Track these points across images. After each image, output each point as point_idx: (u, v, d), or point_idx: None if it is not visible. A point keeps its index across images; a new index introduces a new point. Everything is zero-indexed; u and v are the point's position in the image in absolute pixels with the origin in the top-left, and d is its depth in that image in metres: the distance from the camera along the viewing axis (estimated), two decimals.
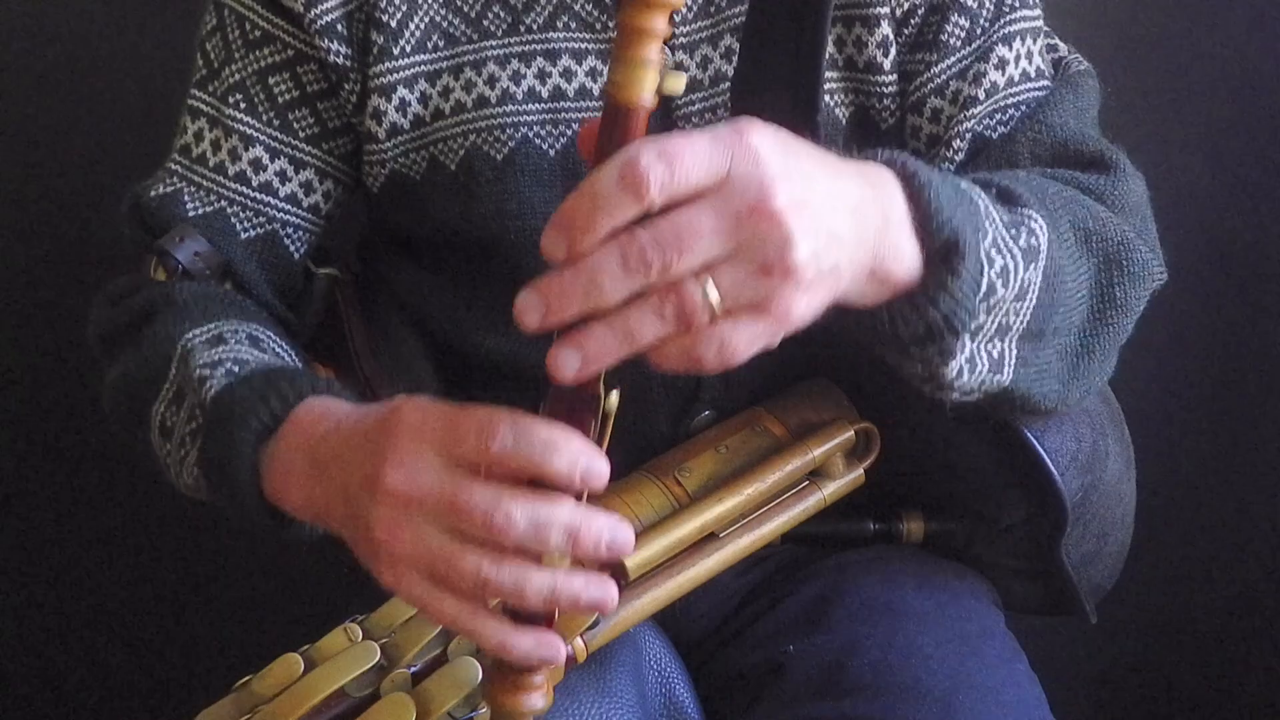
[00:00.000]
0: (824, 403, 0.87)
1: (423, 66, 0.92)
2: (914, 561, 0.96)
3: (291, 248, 0.97)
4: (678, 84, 0.63)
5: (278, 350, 0.90)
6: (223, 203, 0.95)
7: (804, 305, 0.63)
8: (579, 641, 0.79)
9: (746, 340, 0.62)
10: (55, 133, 1.40)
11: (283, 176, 0.95)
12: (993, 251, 0.71)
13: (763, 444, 0.85)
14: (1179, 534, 1.43)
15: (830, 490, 0.87)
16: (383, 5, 0.91)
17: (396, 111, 0.92)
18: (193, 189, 0.96)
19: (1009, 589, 0.98)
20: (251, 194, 0.95)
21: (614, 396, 0.66)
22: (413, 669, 0.77)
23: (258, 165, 0.95)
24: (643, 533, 0.81)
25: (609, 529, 0.66)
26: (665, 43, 0.63)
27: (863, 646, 0.88)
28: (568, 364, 0.62)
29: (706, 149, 0.60)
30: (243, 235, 0.96)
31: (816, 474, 0.86)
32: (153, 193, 0.96)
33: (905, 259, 0.68)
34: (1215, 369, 1.42)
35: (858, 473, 0.88)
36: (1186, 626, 1.50)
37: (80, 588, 1.52)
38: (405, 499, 0.67)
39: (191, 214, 0.95)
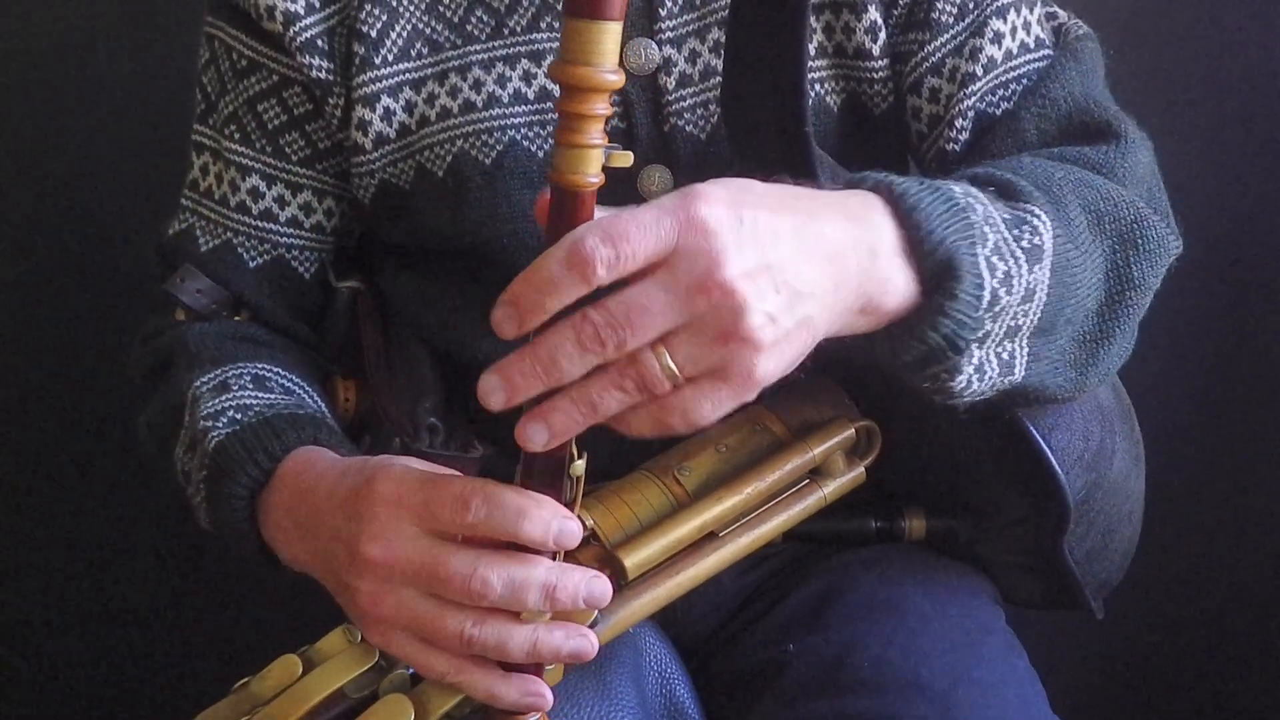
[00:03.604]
0: (824, 401, 0.86)
1: (407, 74, 0.92)
2: (914, 560, 0.95)
3: (300, 269, 0.99)
4: (624, 160, 0.64)
5: (286, 385, 0.92)
6: (229, 234, 0.97)
7: (769, 366, 0.63)
8: None
9: (711, 405, 0.64)
10: (58, 139, 1.40)
11: (281, 202, 0.97)
12: (994, 258, 0.70)
13: (763, 442, 0.85)
14: (1181, 530, 1.43)
15: (831, 489, 0.86)
16: (362, 16, 0.91)
17: (382, 121, 0.92)
18: (203, 223, 0.98)
19: (1012, 584, 0.98)
20: (254, 223, 0.97)
21: (581, 462, 0.69)
22: (411, 670, 0.76)
23: (256, 194, 0.96)
24: (642, 532, 0.80)
25: (584, 584, 0.69)
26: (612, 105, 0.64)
27: (863, 644, 0.88)
28: (535, 436, 0.65)
29: (652, 226, 0.61)
30: (251, 264, 0.97)
31: (817, 472, 0.86)
32: (170, 231, 1.00)
33: (897, 289, 0.68)
34: (1219, 366, 1.41)
35: (859, 471, 0.87)
36: (1188, 623, 1.50)
37: (80, 588, 1.52)
38: (386, 569, 0.70)
39: (203, 249, 0.97)
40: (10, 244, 1.43)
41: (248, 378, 0.91)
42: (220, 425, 0.86)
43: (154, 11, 1.36)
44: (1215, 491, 1.45)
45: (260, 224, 0.97)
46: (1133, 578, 1.02)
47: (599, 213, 0.64)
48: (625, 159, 0.64)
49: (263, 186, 0.96)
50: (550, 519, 0.67)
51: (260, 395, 0.89)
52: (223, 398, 0.88)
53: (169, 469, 0.93)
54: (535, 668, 0.73)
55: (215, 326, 0.97)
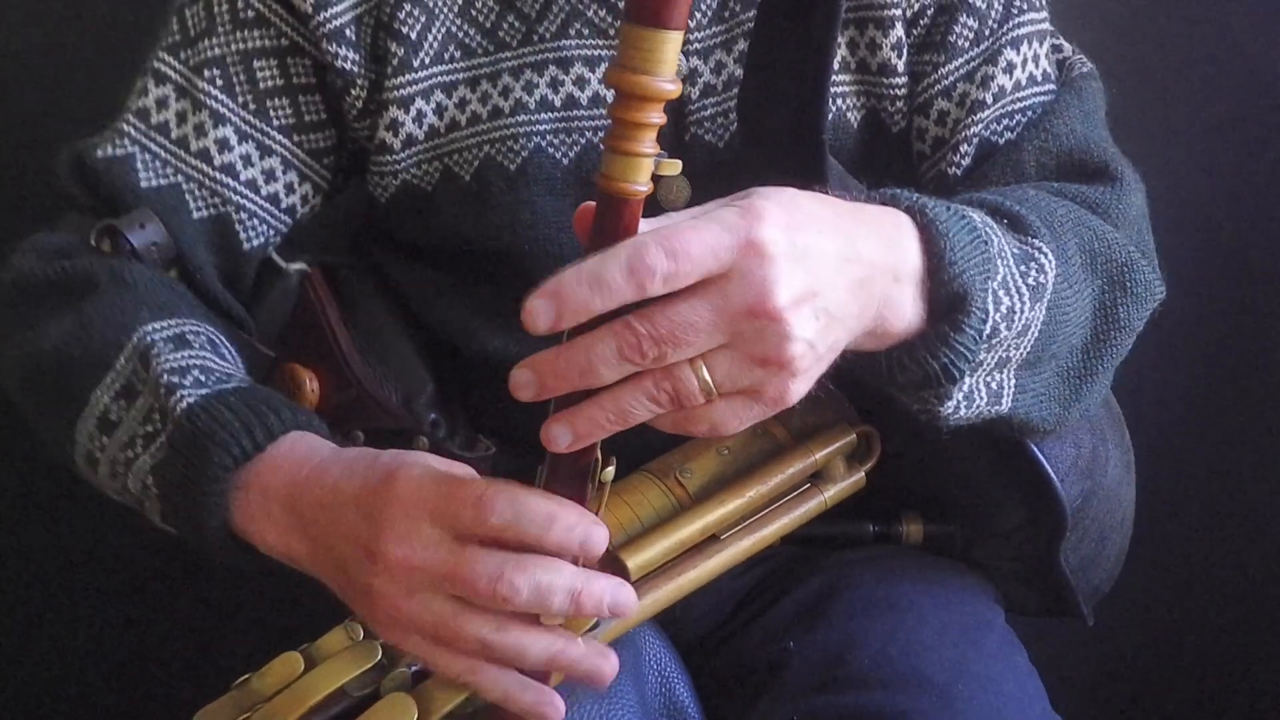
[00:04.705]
0: (826, 406, 0.87)
1: (440, 78, 0.91)
2: (913, 559, 0.96)
3: (242, 235, 0.94)
4: (672, 169, 0.63)
5: (233, 359, 0.87)
6: (179, 178, 0.92)
7: (800, 388, 0.64)
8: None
9: (738, 421, 0.64)
10: (55, 132, 1.39)
11: (246, 160, 0.93)
12: (1000, 292, 0.71)
13: (764, 446, 0.85)
14: (1177, 535, 1.43)
15: (831, 493, 0.87)
16: (401, 16, 0.90)
17: (413, 123, 0.91)
18: (148, 157, 0.92)
19: (1007, 591, 0.98)
20: (210, 173, 0.92)
21: (610, 469, 0.68)
22: (413, 668, 0.76)
23: (224, 145, 0.92)
24: (644, 533, 0.81)
25: (610, 591, 0.68)
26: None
27: (862, 640, 0.88)
28: (560, 438, 0.64)
29: (713, 244, 0.60)
30: (195, 215, 0.93)
31: (818, 476, 0.86)
32: (100, 153, 0.93)
33: (907, 315, 0.69)
34: (1214, 370, 1.42)
35: (859, 476, 0.88)
36: (1185, 626, 1.50)
37: (79, 586, 1.51)
38: (407, 570, 0.68)
39: (144, 184, 0.92)
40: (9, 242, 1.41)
41: (204, 339, 0.85)
42: (187, 384, 0.80)
43: (151, 9, 1.35)
44: (1210, 494, 1.45)
45: (218, 176, 0.92)
46: (1130, 581, 1.03)
47: (646, 223, 0.64)
48: (674, 167, 0.63)
49: (233, 140, 0.92)
50: (577, 525, 0.67)
51: (219, 362, 0.84)
52: (185, 353, 0.82)
53: (55, 403, 0.85)
54: (547, 678, 0.73)
55: (153, 272, 0.90)
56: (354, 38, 0.90)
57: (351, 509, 0.71)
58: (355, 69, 0.91)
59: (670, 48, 0.60)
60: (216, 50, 0.92)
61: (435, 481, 0.69)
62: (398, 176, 0.93)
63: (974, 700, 0.84)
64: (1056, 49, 0.94)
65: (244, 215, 0.94)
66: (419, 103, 0.91)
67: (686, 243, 0.60)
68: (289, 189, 0.95)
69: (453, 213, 0.92)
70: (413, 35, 0.90)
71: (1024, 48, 0.90)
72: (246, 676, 0.78)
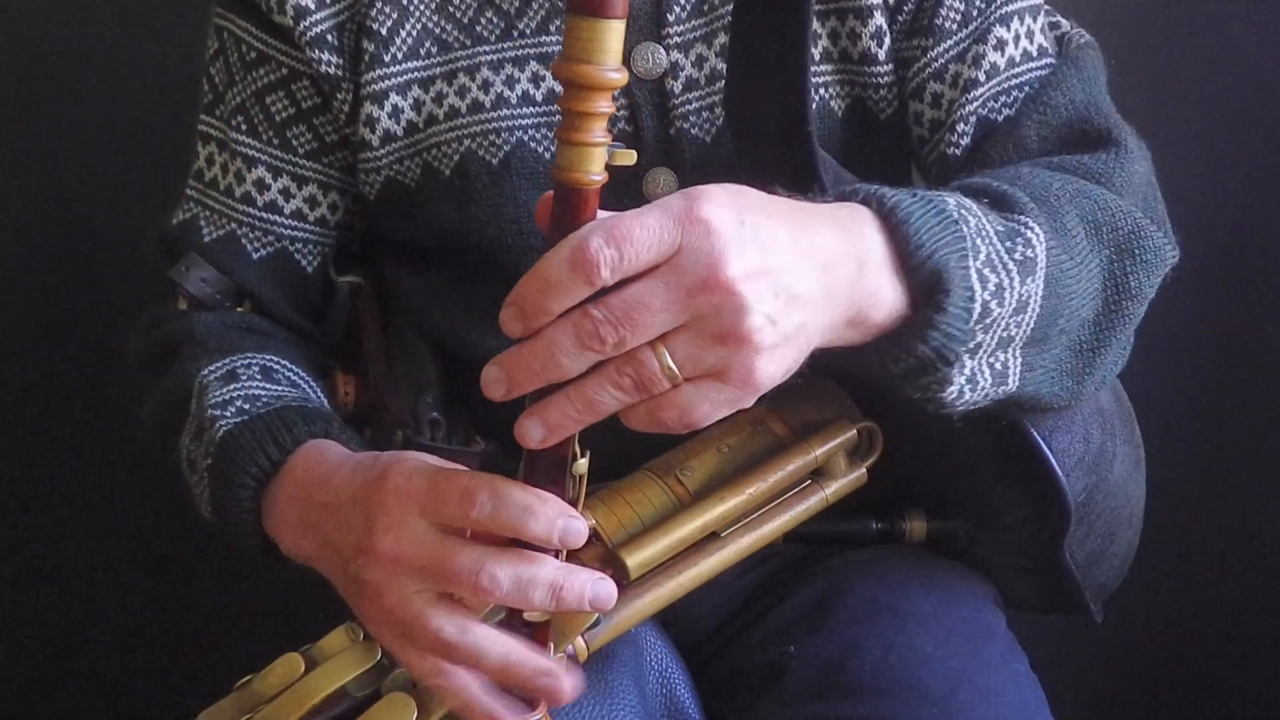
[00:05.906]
0: (826, 402, 0.87)
1: (415, 73, 0.92)
2: (915, 562, 0.95)
3: (303, 262, 0.99)
4: (627, 159, 0.64)
5: (292, 378, 0.93)
6: (233, 225, 0.98)
7: (768, 369, 0.64)
8: (580, 641, 0.78)
9: (709, 405, 0.64)
10: (61, 135, 1.40)
11: (286, 194, 0.97)
12: (985, 271, 0.71)
13: (765, 443, 0.85)
14: (1181, 533, 1.42)
15: (832, 490, 0.86)
16: (373, 14, 0.92)
17: (389, 118, 0.93)
18: (207, 213, 0.98)
19: (1012, 587, 0.98)
20: (258, 214, 0.97)
21: (584, 461, 0.69)
22: None
23: (261, 185, 0.97)
24: (644, 532, 0.81)
25: (590, 585, 0.69)
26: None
27: (863, 647, 0.88)
28: (532, 433, 0.66)
29: (656, 227, 0.61)
30: (254, 255, 0.98)
31: (819, 473, 0.86)
32: (173, 220, 1.00)
33: (885, 303, 0.68)
34: (1218, 368, 1.42)
35: (860, 472, 0.87)
36: (1189, 627, 1.50)
37: (80, 586, 1.52)
38: (394, 562, 0.70)
39: (207, 239, 0.98)
40: (10, 242, 1.42)
41: (255, 368, 0.91)
42: (228, 415, 0.86)
43: (152, 11, 1.36)
44: (1215, 493, 1.45)
45: (265, 215, 0.97)
46: (1133, 580, 1.03)
47: (602, 215, 0.64)
48: (628, 157, 0.64)
49: (269, 178, 0.97)
50: (556, 517, 0.67)
51: (268, 386, 0.90)
52: (231, 387, 0.89)
53: (172, 458, 0.93)
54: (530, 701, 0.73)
55: (220, 316, 0.97)
56: (335, 42, 0.93)
57: (350, 506, 0.73)
58: (339, 73, 0.93)
59: (612, 37, 0.61)
60: (238, 99, 0.97)
61: (425, 476, 0.70)
62: (380, 173, 0.94)
63: (974, 711, 0.84)
64: (1054, 25, 0.93)
65: (298, 245, 0.99)
66: (394, 98, 0.92)
67: (628, 229, 0.61)
68: (333, 208, 0.99)
69: (437, 208, 0.93)
70: (383, 31, 0.92)
71: (1015, 24, 0.90)
72: (248, 678, 0.78)
